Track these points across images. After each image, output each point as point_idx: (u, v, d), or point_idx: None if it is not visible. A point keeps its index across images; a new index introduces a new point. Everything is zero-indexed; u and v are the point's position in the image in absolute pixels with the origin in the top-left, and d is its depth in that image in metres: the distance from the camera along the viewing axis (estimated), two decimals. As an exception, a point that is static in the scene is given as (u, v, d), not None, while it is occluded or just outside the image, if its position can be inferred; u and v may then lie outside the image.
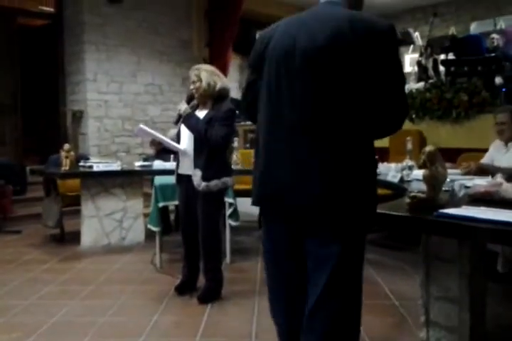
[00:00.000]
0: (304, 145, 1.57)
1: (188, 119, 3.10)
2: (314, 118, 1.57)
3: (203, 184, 3.07)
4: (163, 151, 3.35)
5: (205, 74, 3.12)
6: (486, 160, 3.48)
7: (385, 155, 4.94)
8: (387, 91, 1.58)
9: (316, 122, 1.56)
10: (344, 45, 1.53)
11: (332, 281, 1.57)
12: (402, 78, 1.64)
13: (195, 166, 3.10)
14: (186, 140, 3.18)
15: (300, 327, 1.66)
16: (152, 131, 3.27)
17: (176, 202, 3.63)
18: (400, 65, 1.62)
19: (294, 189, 1.57)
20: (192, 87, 3.15)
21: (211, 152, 3.08)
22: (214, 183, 3.10)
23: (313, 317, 1.60)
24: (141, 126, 3.30)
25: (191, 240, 3.28)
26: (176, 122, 3.24)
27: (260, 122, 1.72)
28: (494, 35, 5.89)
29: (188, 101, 3.19)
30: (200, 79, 3.11)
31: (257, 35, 1.90)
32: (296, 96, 1.60)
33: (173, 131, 3.39)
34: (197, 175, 3.08)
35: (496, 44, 5.77)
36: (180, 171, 3.24)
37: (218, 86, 3.13)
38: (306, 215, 1.59)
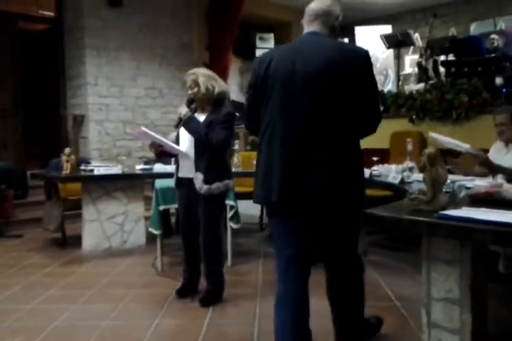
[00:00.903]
0: (308, 150, 1.99)
1: (189, 123, 3.10)
2: (316, 126, 1.99)
3: (205, 187, 3.07)
4: (162, 154, 3.33)
5: (203, 79, 3.11)
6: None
7: (385, 157, 4.94)
8: (366, 102, 2.04)
9: (317, 130, 1.99)
10: (335, 68, 1.98)
11: (346, 241, 2.17)
12: (377, 92, 2.14)
13: (197, 169, 3.10)
14: (186, 143, 3.18)
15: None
16: (152, 133, 3.25)
17: (177, 205, 3.63)
18: (375, 81, 2.08)
19: (306, 184, 1.99)
20: (190, 92, 3.15)
21: (212, 155, 3.09)
22: (216, 186, 3.10)
23: (341, 259, 2.20)
24: (142, 128, 3.28)
25: (192, 243, 3.28)
26: (177, 125, 3.24)
27: (271, 130, 2.07)
28: (493, 36, 5.89)
29: (188, 105, 3.19)
30: (197, 85, 3.10)
31: (254, 59, 2.24)
32: (300, 109, 2.01)
33: (174, 134, 3.38)
34: (198, 179, 3.08)
35: (495, 44, 5.77)
36: (181, 174, 3.24)
37: (217, 90, 3.12)
38: (318, 204, 2.03)
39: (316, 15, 2.11)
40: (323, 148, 1.98)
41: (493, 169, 3.04)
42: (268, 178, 2.06)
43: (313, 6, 2.14)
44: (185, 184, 3.21)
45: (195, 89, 3.11)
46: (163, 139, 3.23)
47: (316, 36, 2.10)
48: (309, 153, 1.99)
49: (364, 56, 2.02)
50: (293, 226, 2.14)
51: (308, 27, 2.14)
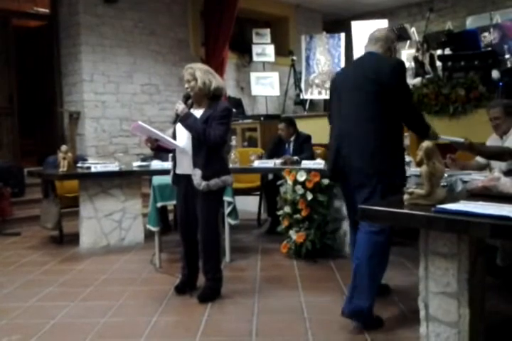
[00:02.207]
0: (351, 142, 2.72)
1: (186, 119, 3.09)
2: (356, 124, 2.72)
3: (204, 183, 3.06)
4: (159, 149, 3.31)
5: (200, 73, 3.10)
6: (482, 154, 3.48)
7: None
8: (401, 106, 2.74)
9: (358, 126, 2.72)
10: (369, 78, 2.70)
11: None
12: (410, 92, 2.88)
13: (195, 166, 3.08)
14: (184, 139, 3.16)
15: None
16: (149, 127, 3.21)
17: (175, 202, 3.62)
18: (406, 85, 2.79)
19: (357, 163, 2.70)
20: (186, 85, 3.14)
21: (210, 151, 3.08)
22: (214, 182, 3.09)
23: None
24: (138, 122, 3.24)
25: (190, 239, 3.27)
26: (174, 122, 3.22)
27: (332, 127, 2.92)
28: (485, 34, 5.90)
29: (185, 101, 3.18)
30: (195, 78, 3.09)
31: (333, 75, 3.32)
32: (350, 111, 2.77)
33: (171, 131, 3.36)
34: (197, 175, 3.06)
35: (489, 40, 5.77)
36: (179, 171, 3.23)
37: (213, 85, 3.11)
38: (362, 177, 2.72)
39: (376, 39, 2.86)
40: (363, 141, 2.67)
41: (480, 151, 3.19)
42: (328, 161, 3.02)
43: (375, 33, 2.90)
44: (183, 180, 3.20)
45: (192, 83, 3.10)
46: (160, 133, 3.20)
47: (369, 55, 2.84)
48: (352, 144, 2.71)
49: (390, 65, 2.72)
50: (343, 193, 3.06)
51: (369, 47, 2.88)
